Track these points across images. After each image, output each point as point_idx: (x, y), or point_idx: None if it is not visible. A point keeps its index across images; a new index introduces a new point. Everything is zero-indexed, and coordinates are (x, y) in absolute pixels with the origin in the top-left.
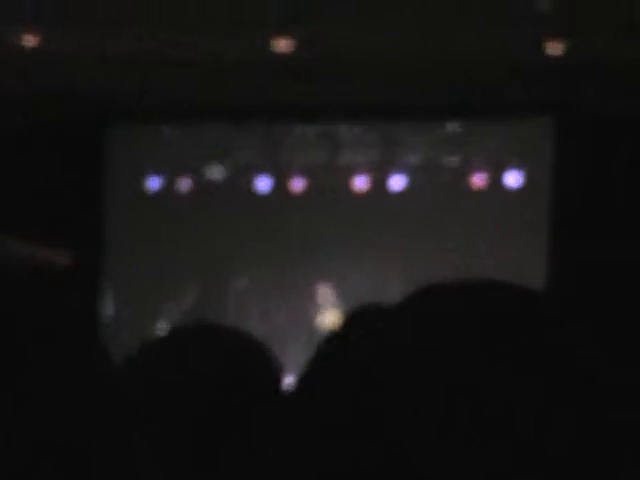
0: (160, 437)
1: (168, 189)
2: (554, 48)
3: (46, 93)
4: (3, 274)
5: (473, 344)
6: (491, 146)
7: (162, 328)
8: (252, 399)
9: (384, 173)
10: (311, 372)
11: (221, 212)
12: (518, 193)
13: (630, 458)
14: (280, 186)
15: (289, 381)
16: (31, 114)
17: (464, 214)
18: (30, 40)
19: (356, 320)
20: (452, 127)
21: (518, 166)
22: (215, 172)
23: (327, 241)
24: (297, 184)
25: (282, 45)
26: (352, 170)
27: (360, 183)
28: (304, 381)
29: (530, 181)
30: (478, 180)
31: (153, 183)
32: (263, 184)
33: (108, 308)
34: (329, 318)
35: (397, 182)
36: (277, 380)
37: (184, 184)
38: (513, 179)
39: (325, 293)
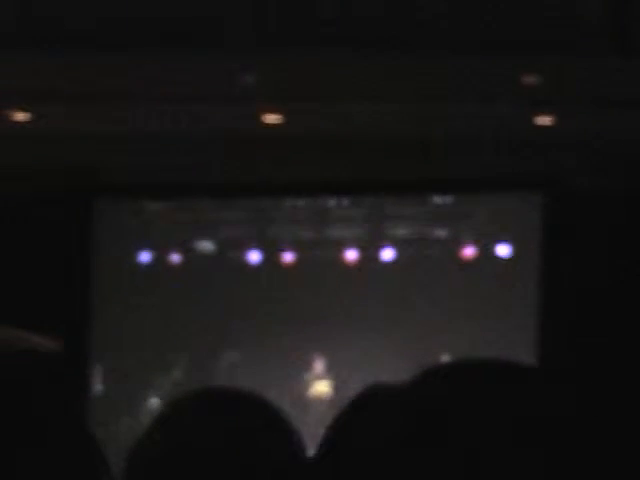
0: None
1: (158, 264)
2: (542, 123)
3: (30, 169)
4: None
5: (478, 430)
6: (480, 220)
7: (153, 403)
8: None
9: (374, 246)
10: (320, 456)
11: (211, 285)
12: (507, 266)
13: None
14: (270, 259)
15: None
16: (15, 190)
17: (455, 285)
18: (17, 116)
19: (363, 402)
20: (441, 201)
21: (507, 239)
22: (204, 246)
23: (318, 313)
24: (287, 257)
25: (270, 119)
26: (342, 244)
27: (350, 257)
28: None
29: (519, 255)
30: (467, 252)
31: (143, 258)
32: (253, 257)
33: (98, 386)
34: (321, 389)
35: (387, 255)
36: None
37: (174, 258)
38: (502, 252)
39: (317, 364)
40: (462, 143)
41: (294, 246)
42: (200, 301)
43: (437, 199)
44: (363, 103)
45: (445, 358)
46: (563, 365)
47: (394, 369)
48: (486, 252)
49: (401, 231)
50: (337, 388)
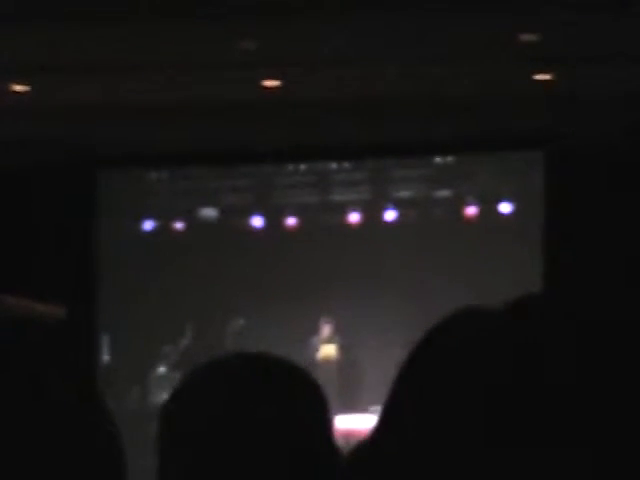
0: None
1: (163, 232)
2: (543, 81)
3: (38, 139)
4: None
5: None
6: (482, 179)
7: (161, 371)
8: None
9: (377, 208)
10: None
11: (215, 252)
12: (510, 223)
13: None
14: (273, 224)
15: None
16: (23, 160)
17: (458, 245)
18: (23, 87)
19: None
20: (443, 161)
21: (509, 198)
22: (207, 213)
23: (323, 276)
24: (290, 222)
25: (270, 85)
26: (345, 207)
27: (354, 219)
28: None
29: (522, 212)
30: (470, 212)
31: (146, 227)
32: (256, 223)
33: (105, 357)
34: (329, 352)
35: (390, 216)
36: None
37: (178, 226)
38: (505, 210)
39: (324, 329)
40: (463, 103)
41: (297, 211)
42: (205, 268)
43: (439, 160)
44: (363, 66)
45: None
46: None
47: (400, 329)
48: (489, 211)
49: (404, 192)
50: (344, 350)
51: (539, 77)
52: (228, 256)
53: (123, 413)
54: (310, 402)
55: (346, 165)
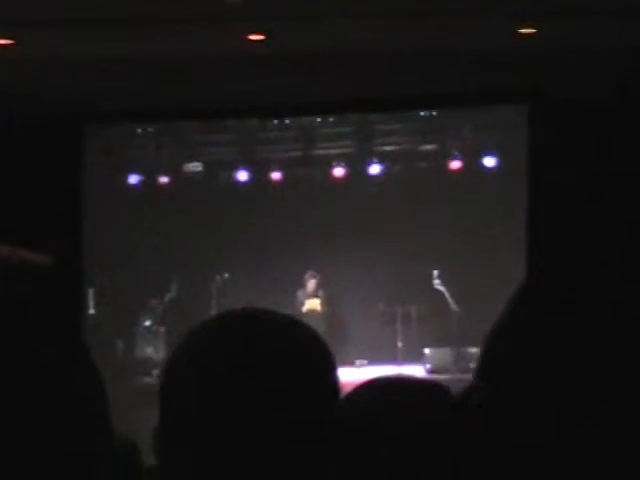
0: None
1: (148, 186)
2: (526, 36)
3: (24, 94)
4: None
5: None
6: (466, 133)
7: (147, 325)
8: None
9: (362, 162)
10: None
11: (201, 206)
12: (494, 177)
13: None
14: (259, 178)
15: None
16: (8, 114)
17: (443, 198)
18: (7, 41)
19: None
20: (427, 115)
21: (493, 151)
22: (193, 168)
23: (309, 230)
24: (276, 176)
25: (252, 41)
26: (329, 161)
27: (338, 173)
28: None
29: (506, 166)
30: (455, 165)
31: (132, 180)
32: (242, 177)
33: (90, 306)
34: (314, 306)
35: (375, 170)
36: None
37: (163, 180)
38: (489, 164)
39: (310, 284)
40: (446, 57)
41: (282, 165)
42: (190, 222)
43: (423, 114)
44: (346, 20)
45: (435, 271)
46: (551, 274)
47: (385, 283)
48: (473, 164)
49: (388, 147)
50: (328, 304)
51: (523, 31)
52: (213, 210)
53: (108, 365)
54: (317, 358)
55: (330, 120)
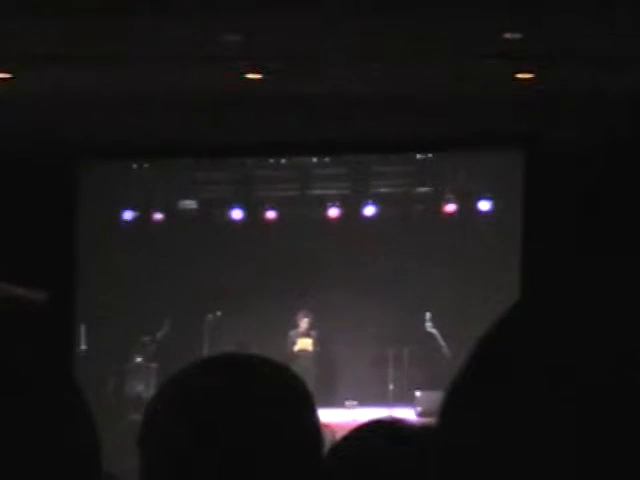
0: None
1: (142, 223)
2: (525, 80)
3: (20, 129)
4: None
5: None
6: (462, 176)
7: (137, 361)
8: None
9: (357, 203)
10: None
11: (195, 244)
12: (490, 221)
13: None
14: (253, 217)
15: None
16: (4, 149)
17: (437, 241)
18: (5, 75)
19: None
20: (423, 158)
21: (489, 195)
22: (187, 205)
23: (302, 270)
24: (270, 215)
25: (253, 81)
26: (324, 201)
27: (333, 214)
28: None
29: (501, 210)
30: (450, 209)
31: (126, 217)
32: (236, 215)
33: (82, 346)
34: (305, 346)
35: (370, 211)
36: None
37: (158, 217)
38: (484, 208)
39: (302, 323)
40: (444, 101)
41: (277, 204)
42: (183, 259)
43: (419, 157)
44: (345, 62)
45: (428, 314)
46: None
47: (377, 325)
48: (468, 208)
49: (384, 188)
50: (320, 344)
51: (521, 76)
52: (207, 248)
53: (99, 402)
54: (297, 402)
55: (326, 160)
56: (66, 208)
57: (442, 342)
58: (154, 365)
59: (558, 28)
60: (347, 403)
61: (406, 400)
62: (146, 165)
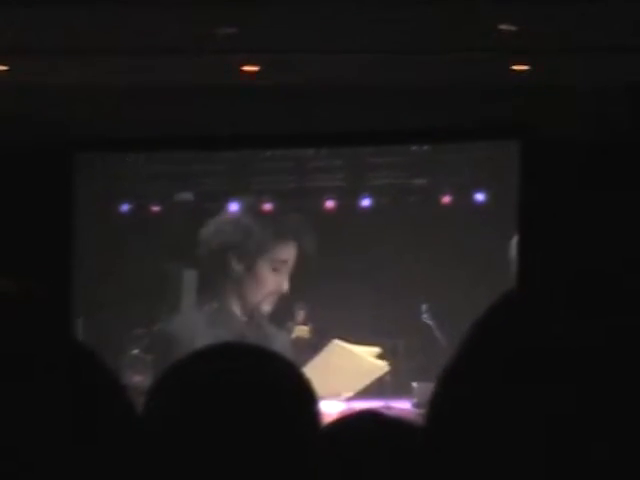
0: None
1: (138, 215)
2: (519, 71)
3: (15, 120)
4: None
5: None
6: (457, 168)
7: (133, 354)
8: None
9: (353, 195)
10: None
11: (191, 235)
12: (485, 212)
13: None
14: (250, 209)
15: None
16: None
17: (433, 233)
18: (0, 67)
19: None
20: (419, 150)
21: (484, 186)
22: (184, 197)
23: (298, 262)
24: (267, 207)
25: (249, 71)
26: (321, 193)
27: (329, 205)
28: None
29: (496, 201)
30: (445, 200)
31: (123, 210)
32: (232, 208)
33: (79, 335)
34: (301, 332)
35: (366, 203)
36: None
37: (154, 209)
38: (480, 199)
39: (299, 314)
40: (439, 92)
41: (273, 196)
42: (179, 251)
43: (415, 148)
44: (340, 53)
45: (424, 306)
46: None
47: (372, 317)
48: (464, 199)
49: (380, 180)
50: (316, 333)
51: (516, 67)
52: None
53: None
54: (298, 395)
55: (323, 152)
56: (62, 200)
57: (438, 333)
58: (150, 356)
59: (554, 19)
60: (343, 394)
61: (403, 391)
62: (142, 157)
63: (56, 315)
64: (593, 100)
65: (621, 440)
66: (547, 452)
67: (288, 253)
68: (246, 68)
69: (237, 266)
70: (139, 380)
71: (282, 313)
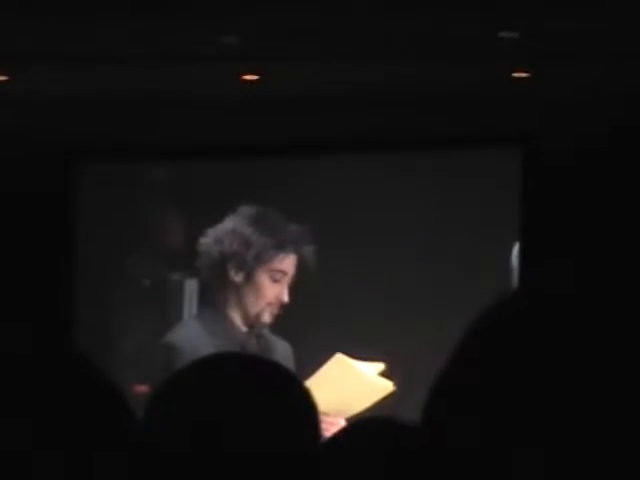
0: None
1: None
2: (520, 79)
3: (13, 131)
4: None
5: None
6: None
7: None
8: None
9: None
10: None
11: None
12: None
13: None
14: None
15: None
16: (2, 152)
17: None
18: (2, 77)
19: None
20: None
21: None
22: None
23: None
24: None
25: (249, 81)
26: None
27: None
28: None
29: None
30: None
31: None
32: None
33: (78, 345)
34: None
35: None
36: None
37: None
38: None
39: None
40: (440, 100)
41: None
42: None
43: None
44: (343, 62)
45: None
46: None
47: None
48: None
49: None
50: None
51: (517, 75)
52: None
53: None
54: (298, 404)
55: (323, 160)
56: (62, 211)
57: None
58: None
59: (555, 27)
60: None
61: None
62: (142, 167)
63: (55, 325)
64: (594, 108)
65: (621, 438)
66: (546, 453)
67: (288, 264)
68: (246, 77)
69: (236, 276)
70: (140, 390)
71: (282, 323)
